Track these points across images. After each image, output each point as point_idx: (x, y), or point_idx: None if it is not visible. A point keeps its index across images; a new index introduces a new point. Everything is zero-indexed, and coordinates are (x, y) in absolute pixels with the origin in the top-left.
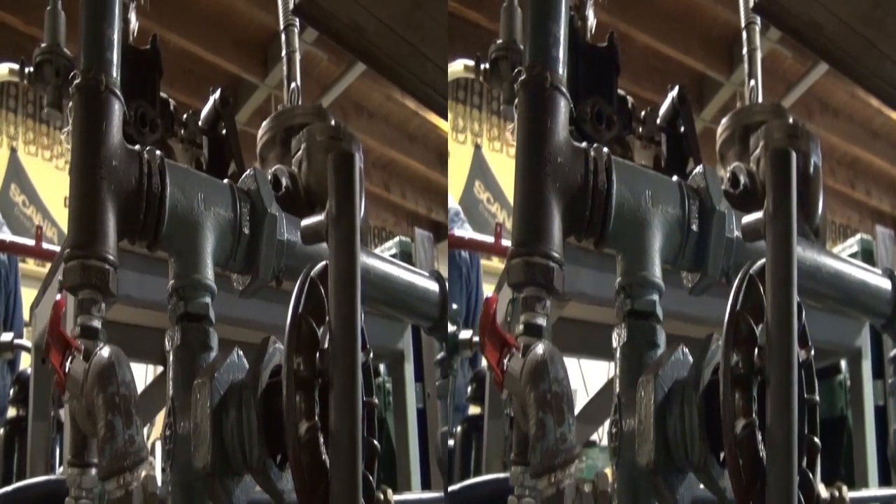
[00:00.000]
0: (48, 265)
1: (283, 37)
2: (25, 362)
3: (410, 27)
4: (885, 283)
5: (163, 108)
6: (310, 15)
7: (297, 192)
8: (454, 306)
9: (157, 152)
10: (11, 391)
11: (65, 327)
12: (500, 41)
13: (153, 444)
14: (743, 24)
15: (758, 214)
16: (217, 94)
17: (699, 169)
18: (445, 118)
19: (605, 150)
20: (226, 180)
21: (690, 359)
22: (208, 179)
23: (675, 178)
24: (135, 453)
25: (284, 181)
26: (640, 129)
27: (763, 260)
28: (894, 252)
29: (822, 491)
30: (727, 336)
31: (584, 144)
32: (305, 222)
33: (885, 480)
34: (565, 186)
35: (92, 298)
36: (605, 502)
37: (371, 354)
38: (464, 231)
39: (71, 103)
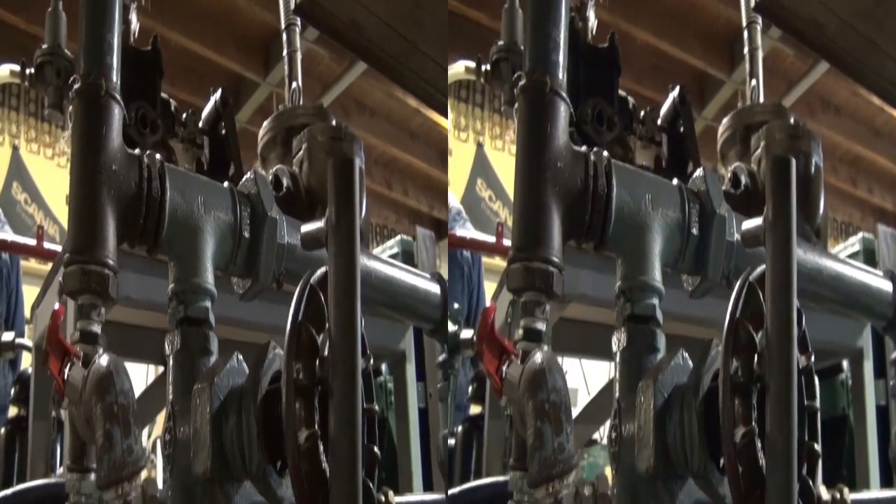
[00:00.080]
0: (50, 264)
1: (284, 36)
2: (26, 362)
3: (411, 26)
4: (887, 285)
5: (163, 109)
6: (311, 14)
7: (298, 192)
8: (455, 306)
9: (157, 156)
10: (12, 391)
11: (64, 333)
12: (501, 42)
13: (154, 443)
14: (744, 24)
15: (757, 220)
16: (218, 93)
17: (699, 172)
18: (446, 116)
19: (605, 153)
20: (226, 183)
21: (690, 364)
22: (208, 183)
23: (675, 181)
24: (133, 463)
25: (285, 181)
26: (641, 130)
27: (763, 266)
28: None
29: (824, 493)
30: (727, 343)
31: (584, 148)
32: (305, 228)
33: (886, 482)
34: (565, 191)
35: (91, 303)
36: None
37: (371, 360)
38: (465, 231)
39: (71, 108)
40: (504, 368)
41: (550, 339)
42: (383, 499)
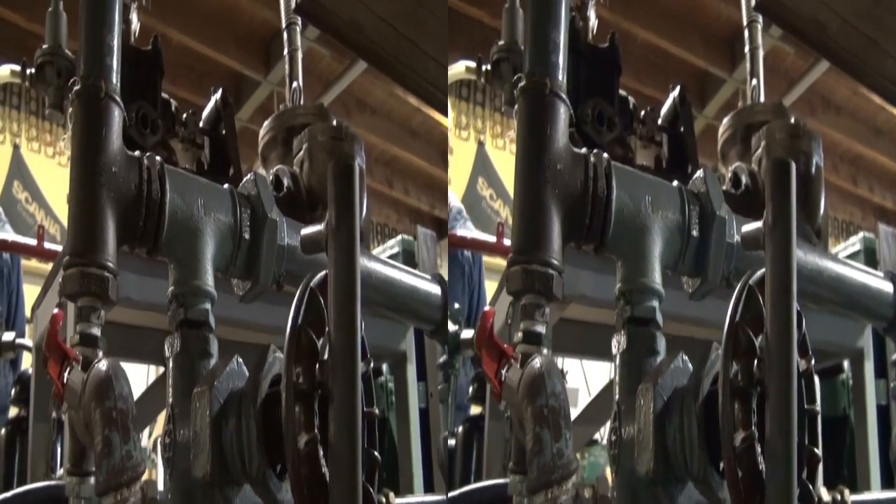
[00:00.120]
0: (51, 263)
1: (284, 35)
2: (27, 362)
3: (412, 25)
4: (887, 286)
5: (164, 109)
6: (311, 13)
7: (298, 192)
8: (456, 305)
9: (157, 158)
10: (13, 391)
11: (64, 335)
12: (501, 42)
13: (155, 443)
14: (745, 23)
15: (757, 224)
16: (218, 93)
17: (700, 174)
18: (447, 115)
19: (605, 155)
20: (226, 185)
21: (690, 367)
22: (208, 185)
23: (675, 182)
24: (132, 469)
25: (286, 181)
26: (641, 130)
27: (763, 270)
28: None
29: (824, 494)
30: (726, 347)
31: (583, 150)
32: (305, 232)
33: (887, 483)
34: (565, 193)
35: (91, 306)
36: None
37: (371, 364)
38: (466, 231)
39: (71, 110)
40: (503, 372)
41: (550, 340)
42: (384, 500)
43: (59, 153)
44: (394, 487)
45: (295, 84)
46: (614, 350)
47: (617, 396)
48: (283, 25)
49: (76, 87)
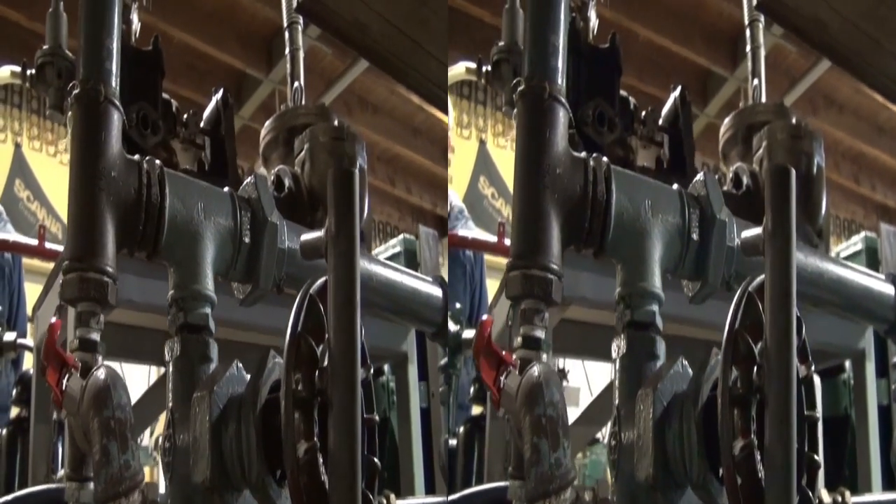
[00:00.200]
0: (52, 263)
1: (286, 35)
2: (28, 362)
3: (414, 24)
4: (888, 289)
5: (165, 110)
6: (313, 12)
7: (299, 193)
8: (458, 305)
9: (157, 162)
10: (14, 391)
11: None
12: (501, 43)
13: (156, 442)
14: (746, 22)
15: (757, 230)
16: (219, 94)
17: (700, 177)
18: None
19: (605, 159)
20: (226, 188)
21: (690, 371)
22: (208, 188)
23: (675, 186)
24: (130, 478)
25: (287, 182)
26: (642, 130)
27: (762, 276)
28: None
29: (825, 496)
30: (725, 355)
31: (583, 154)
32: (305, 238)
33: (889, 484)
34: (564, 197)
35: (90, 311)
36: None
37: (371, 370)
38: (467, 230)
39: (70, 113)
40: (502, 379)
41: (550, 345)
42: (384, 502)
43: (60, 152)
44: (395, 489)
45: (296, 84)
46: (614, 354)
47: (617, 401)
48: (285, 25)
49: (75, 91)
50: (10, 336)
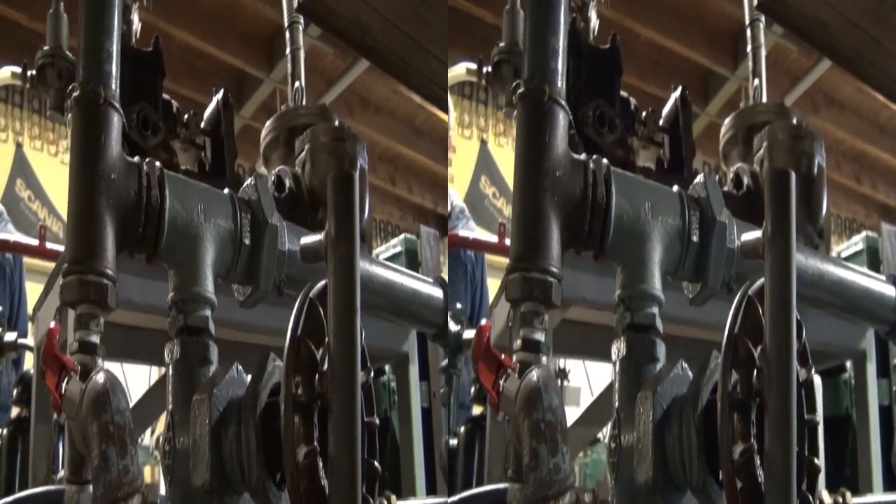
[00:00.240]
0: (53, 263)
1: (287, 35)
2: (30, 362)
3: (415, 24)
4: (889, 290)
5: (165, 111)
6: (314, 12)
7: (300, 193)
8: (458, 305)
9: (157, 164)
10: (15, 391)
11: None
12: (502, 44)
13: (158, 441)
14: (747, 22)
15: (756, 233)
16: (220, 94)
17: (700, 178)
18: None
19: (605, 161)
20: (226, 190)
21: (690, 374)
22: (208, 190)
23: (675, 188)
24: (129, 484)
25: (288, 182)
26: (643, 131)
27: (762, 280)
28: None
29: (826, 497)
30: (725, 360)
31: (583, 156)
32: (305, 241)
33: (890, 485)
34: (564, 200)
35: (90, 313)
36: None
37: (371, 374)
38: (467, 231)
39: (70, 116)
40: (501, 383)
41: (551, 345)
42: (385, 503)
43: (61, 151)
44: (396, 490)
45: (297, 84)
46: (614, 357)
47: (616, 404)
48: (286, 25)
49: (75, 94)
50: (10, 336)
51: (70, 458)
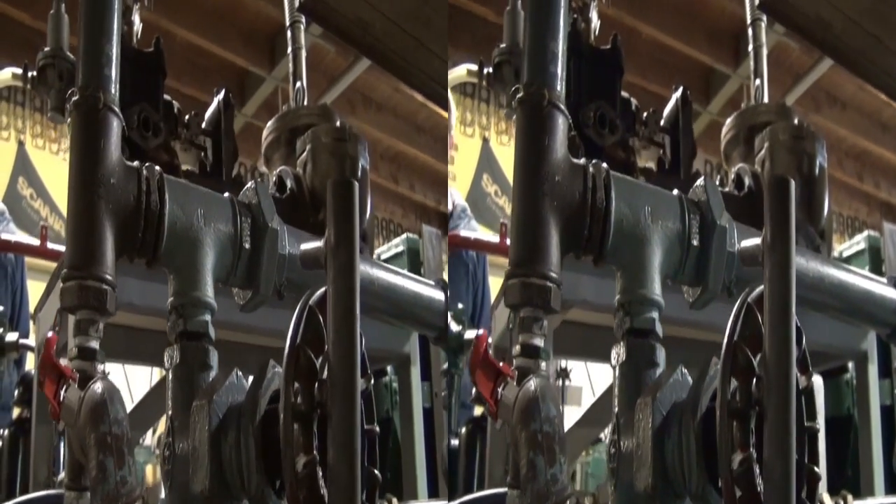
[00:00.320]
0: (54, 262)
1: (288, 34)
2: (31, 362)
3: (416, 23)
4: (891, 293)
5: (166, 111)
6: (315, 11)
7: (301, 194)
8: (460, 305)
9: (157, 168)
10: (16, 392)
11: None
12: (503, 45)
13: (159, 441)
14: (748, 21)
15: (756, 240)
16: (221, 94)
17: (700, 182)
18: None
19: (605, 165)
20: (226, 194)
21: (689, 380)
22: (208, 194)
23: (675, 191)
24: (126, 495)
25: (289, 183)
26: (644, 131)
27: (761, 287)
28: None
29: (827, 500)
30: (724, 367)
31: (582, 161)
32: (304, 248)
33: (891, 487)
34: (563, 204)
35: (90, 319)
36: None
37: (371, 381)
38: (468, 231)
39: (69, 120)
40: (499, 391)
41: (550, 351)
42: None
43: (63, 150)
44: (397, 492)
45: (298, 84)
46: (613, 361)
47: (616, 409)
48: (287, 24)
49: (74, 98)
50: (12, 336)
51: (69, 465)
